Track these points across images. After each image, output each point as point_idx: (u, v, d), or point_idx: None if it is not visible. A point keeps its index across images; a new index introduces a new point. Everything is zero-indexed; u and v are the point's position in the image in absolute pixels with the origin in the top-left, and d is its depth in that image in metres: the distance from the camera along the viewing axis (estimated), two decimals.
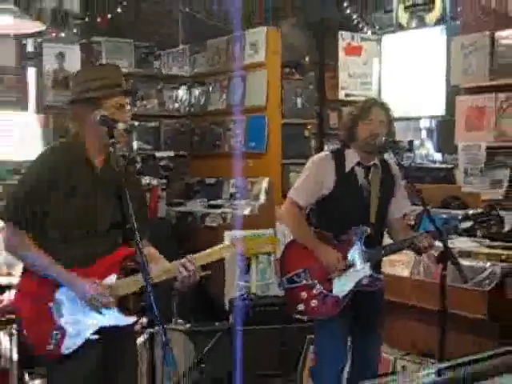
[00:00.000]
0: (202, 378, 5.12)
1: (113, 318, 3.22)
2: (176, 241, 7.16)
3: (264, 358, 5.97)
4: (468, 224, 4.11)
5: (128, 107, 3.34)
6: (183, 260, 3.24)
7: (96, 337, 3.20)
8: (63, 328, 3.19)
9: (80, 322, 3.20)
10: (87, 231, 3.26)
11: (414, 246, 4.01)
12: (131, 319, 3.30)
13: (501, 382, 1.19)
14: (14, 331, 4.41)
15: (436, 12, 6.48)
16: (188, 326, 5.65)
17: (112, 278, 3.24)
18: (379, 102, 4.28)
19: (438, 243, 4.05)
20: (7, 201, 3.36)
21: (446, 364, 1.29)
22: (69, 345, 3.19)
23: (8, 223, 3.29)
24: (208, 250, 3.32)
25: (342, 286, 4.05)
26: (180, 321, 5.72)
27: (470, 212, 4.94)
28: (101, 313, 3.18)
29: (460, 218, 4.49)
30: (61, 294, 3.22)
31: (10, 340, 4.83)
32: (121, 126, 3.18)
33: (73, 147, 3.35)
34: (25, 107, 6.91)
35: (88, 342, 3.20)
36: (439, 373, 1.26)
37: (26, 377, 5.14)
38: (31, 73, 7.03)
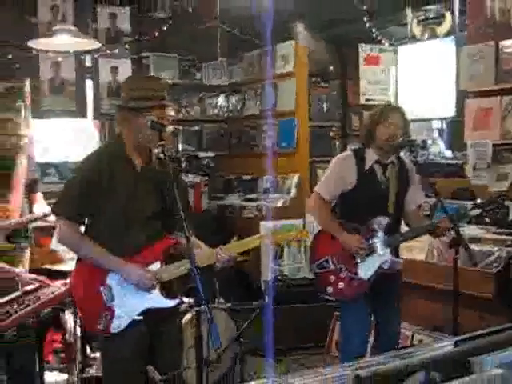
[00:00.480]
0: (242, 350, 5.12)
1: (156, 301, 3.24)
2: (217, 230, 7.19)
3: (295, 333, 5.99)
4: (477, 211, 4.08)
5: (169, 114, 3.33)
6: (218, 249, 3.28)
7: (141, 317, 3.22)
8: (112, 309, 3.21)
9: (127, 305, 3.23)
10: (131, 223, 3.26)
11: (432, 230, 4.00)
12: (173, 302, 3.31)
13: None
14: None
15: (446, 25, 6.44)
16: (229, 304, 5.67)
17: (156, 265, 3.26)
18: (396, 107, 4.27)
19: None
20: (59, 198, 3.35)
21: (463, 336, 1.29)
22: (117, 324, 3.21)
23: (60, 217, 3.30)
24: (239, 241, 3.37)
25: (367, 270, 4.06)
26: (222, 300, 5.74)
27: (479, 201, 4.91)
28: (146, 294, 3.21)
29: (470, 206, 4.45)
30: (111, 279, 3.24)
31: (74, 318, 4.88)
32: (169, 129, 3.20)
33: (114, 148, 3.36)
34: (84, 115, 6.98)
35: (134, 322, 3.22)
36: (456, 344, 1.25)
37: (88, 350, 5.19)
38: (89, 84, 7.09)
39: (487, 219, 4.79)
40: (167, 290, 3.31)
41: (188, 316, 4.83)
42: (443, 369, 1.13)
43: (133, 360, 3.22)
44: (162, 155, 3.22)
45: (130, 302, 3.22)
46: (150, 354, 3.33)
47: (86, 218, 3.31)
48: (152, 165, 3.36)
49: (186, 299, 4.64)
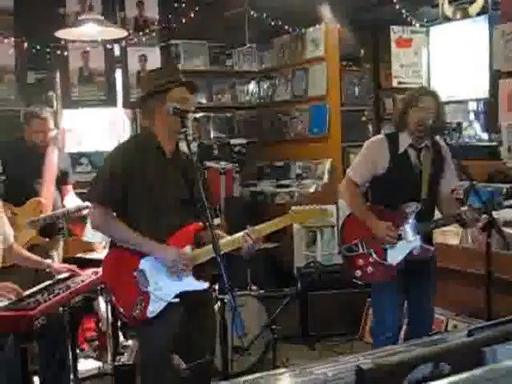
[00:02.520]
0: (274, 337, 5.10)
1: (190, 283, 3.27)
2: (249, 217, 7.16)
3: (328, 320, 5.95)
4: (509, 185, 3.98)
5: (192, 100, 3.39)
6: (244, 233, 3.29)
7: (177, 300, 3.24)
8: (147, 294, 3.24)
9: (162, 288, 3.25)
10: (161, 208, 3.31)
11: (460, 220, 3.91)
12: (205, 284, 3.32)
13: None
14: (109, 298, 4.46)
15: (478, 4, 6.26)
16: (261, 291, 5.65)
17: (188, 249, 3.29)
18: (428, 90, 4.16)
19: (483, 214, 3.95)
20: (92, 184, 3.42)
21: (478, 325, 1.23)
22: (153, 309, 3.23)
23: (94, 203, 3.39)
24: (265, 223, 3.35)
25: (395, 255, 3.99)
26: (254, 287, 5.72)
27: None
28: (179, 277, 3.23)
29: (504, 195, 4.34)
30: (144, 264, 3.27)
31: (107, 306, 4.91)
32: (191, 116, 3.19)
33: (145, 137, 3.44)
34: (114, 104, 7.00)
35: (170, 305, 3.24)
36: (469, 333, 1.20)
37: (121, 337, 5.22)
38: (118, 74, 7.10)
39: None
40: (199, 272, 3.33)
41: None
42: (454, 360, 1.07)
43: (170, 344, 3.24)
44: (184, 142, 3.24)
45: (164, 286, 3.25)
46: (185, 338, 3.34)
47: (118, 205, 3.35)
48: (180, 154, 3.43)
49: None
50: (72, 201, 5.07)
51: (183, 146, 3.41)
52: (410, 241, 3.97)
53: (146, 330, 3.33)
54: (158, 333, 3.25)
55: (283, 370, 1.78)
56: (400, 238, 3.97)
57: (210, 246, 3.21)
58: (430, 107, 3.96)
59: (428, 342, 1.19)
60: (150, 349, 3.34)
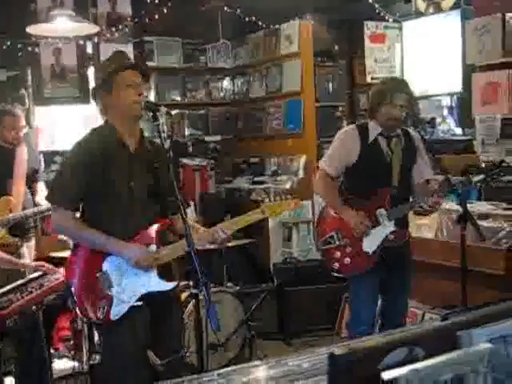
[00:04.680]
0: (250, 334, 5.08)
1: (155, 284, 3.18)
2: (225, 213, 7.14)
3: (305, 315, 5.94)
4: (480, 177, 3.99)
5: (138, 83, 3.22)
6: (214, 228, 3.22)
7: (140, 303, 3.15)
8: (111, 296, 3.14)
9: (125, 291, 3.15)
10: (125, 205, 3.20)
11: (422, 205, 3.95)
12: (171, 285, 3.24)
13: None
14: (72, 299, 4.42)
15: None
16: (237, 288, 5.63)
17: (152, 248, 3.19)
18: (401, 86, 4.09)
19: (458, 207, 3.97)
20: (51, 185, 3.34)
21: (453, 310, 1.21)
22: (116, 312, 3.13)
23: (54, 206, 3.28)
24: (235, 219, 3.29)
25: (371, 243, 4.00)
26: (230, 284, 5.70)
27: (482, 165, 4.81)
28: (144, 276, 3.15)
29: (473, 172, 4.35)
30: (107, 265, 3.16)
31: None
32: (163, 109, 3.12)
33: (105, 132, 3.27)
34: (87, 101, 6.92)
35: (134, 308, 3.15)
36: (444, 318, 1.18)
37: (96, 336, 5.15)
38: (91, 70, 7.02)
39: (492, 183, 4.67)
40: (165, 272, 3.24)
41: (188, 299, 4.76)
42: (429, 344, 1.05)
43: (136, 346, 3.15)
44: (158, 137, 3.13)
45: (128, 287, 3.15)
46: (153, 338, 3.27)
47: (81, 205, 3.26)
48: (144, 147, 3.30)
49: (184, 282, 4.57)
50: (42, 200, 5.00)
51: (147, 141, 3.31)
52: (384, 227, 3.99)
53: (109, 333, 3.24)
54: (121, 336, 3.16)
55: (258, 362, 1.76)
56: (374, 226, 3.98)
57: (177, 244, 3.19)
58: (403, 103, 3.95)
59: (405, 329, 1.17)
60: (113, 352, 3.24)
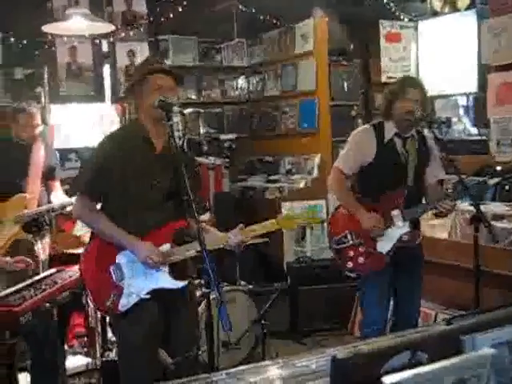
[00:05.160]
0: (263, 332, 5.09)
1: (164, 281, 3.23)
2: (239, 212, 7.15)
3: (319, 314, 5.95)
4: (496, 180, 3.98)
5: (169, 87, 3.28)
6: (229, 234, 3.24)
7: (148, 296, 3.21)
8: (121, 288, 3.21)
9: (136, 284, 3.22)
10: (144, 203, 3.26)
11: (437, 208, 3.93)
12: (181, 283, 3.26)
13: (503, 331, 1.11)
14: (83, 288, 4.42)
15: None
16: (250, 286, 5.63)
17: (166, 247, 3.24)
18: (415, 81, 4.16)
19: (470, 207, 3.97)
20: (78, 175, 3.51)
21: (457, 314, 1.22)
22: (124, 303, 3.20)
23: (79, 194, 3.37)
24: (251, 227, 3.27)
25: (385, 243, 4.01)
26: (243, 282, 5.71)
27: (498, 168, 4.79)
28: (154, 273, 3.20)
29: (488, 173, 4.35)
30: (121, 258, 3.24)
31: None
32: (176, 109, 3.15)
33: (133, 128, 3.39)
34: (102, 99, 6.96)
35: (142, 302, 3.21)
36: (448, 322, 1.18)
37: (110, 333, 5.19)
38: (106, 69, 7.06)
39: (507, 187, 4.66)
40: (177, 271, 3.28)
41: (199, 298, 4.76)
42: (432, 348, 1.06)
43: (144, 341, 3.20)
44: (170, 136, 3.15)
45: (138, 281, 3.22)
46: (165, 336, 3.32)
47: (102, 197, 3.33)
48: (171, 149, 3.29)
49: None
50: (58, 197, 5.03)
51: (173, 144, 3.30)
52: (398, 227, 3.99)
53: (118, 325, 3.35)
54: (129, 328, 3.23)
55: (266, 362, 1.77)
56: (388, 226, 3.99)
57: (189, 244, 3.21)
58: (417, 98, 3.97)
59: (408, 333, 1.17)
60: (123, 343, 3.35)
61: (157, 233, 3.25)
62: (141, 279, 3.22)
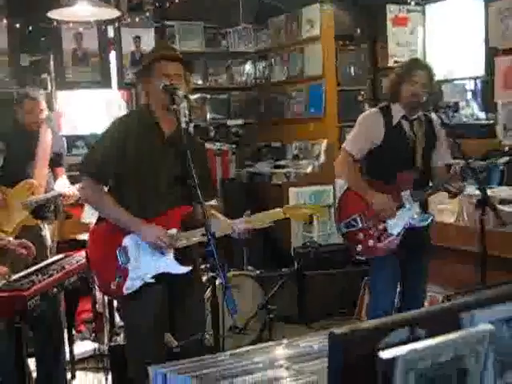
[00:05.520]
0: (270, 317, 5.11)
1: (170, 266, 3.24)
2: (246, 197, 7.17)
3: (326, 299, 5.96)
4: (506, 159, 3.98)
5: (176, 73, 3.29)
6: (235, 222, 3.26)
7: (153, 281, 3.23)
8: (126, 271, 3.23)
9: (141, 267, 3.23)
10: (152, 187, 3.27)
11: (447, 188, 3.95)
12: (186, 269, 3.27)
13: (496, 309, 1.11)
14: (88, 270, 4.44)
15: None
16: (257, 272, 5.66)
17: (172, 232, 3.25)
18: (421, 63, 4.15)
19: (477, 191, 3.96)
20: (85, 157, 3.43)
21: (456, 291, 1.22)
22: (129, 286, 3.23)
23: (85, 177, 3.35)
24: (258, 215, 3.29)
25: (396, 225, 4.02)
26: (250, 268, 5.73)
27: (507, 148, 4.77)
28: (161, 255, 3.22)
29: (498, 155, 4.34)
30: (128, 241, 3.26)
31: None
32: (181, 93, 3.15)
33: (143, 113, 3.40)
34: (108, 85, 6.97)
35: (147, 285, 3.23)
36: (447, 299, 1.19)
37: (117, 318, 5.22)
38: (112, 55, 7.06)
39: None
40: (182, 256, 3.29)
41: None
42: (430, 325, 1.07)
43: (150, 324, 3.22)
44: (178, 122, 3.18)
45: (143, 265, 3.24)
46: (171, 319, 3.35)
47: (110, 180, 3.35)
48: (180, 134, 3.27)
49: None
50: (63, 184, 5.05)
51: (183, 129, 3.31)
52: (408, 209, 4.00)
53: (124, 308, 3.41)
54: (135, 311, 3.27)
55: (270, 343, 1.78)
56: (398, 207, 3.99)
57: (196, 230, 3.22)
58: (423, 81, 3.97)
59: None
60: (129, 326, 3.41)
61: (164, 217, 3.27)
62: (146, 263, 3.24)
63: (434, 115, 4.18)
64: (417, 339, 1.02)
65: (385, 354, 0.98)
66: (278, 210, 3.30)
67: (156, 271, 3.24)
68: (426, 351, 1.00)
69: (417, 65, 4.09)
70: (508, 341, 1.14)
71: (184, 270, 3.26)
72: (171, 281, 3.27)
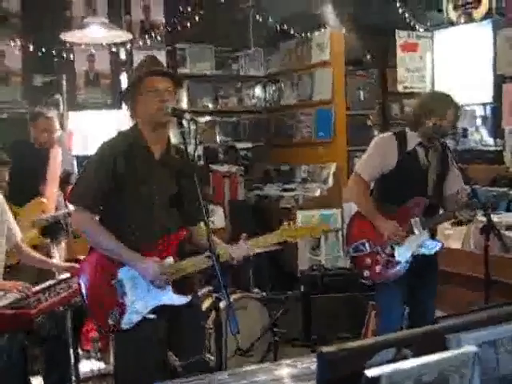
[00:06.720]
0: (275, 340, 5.12)
1: (168, 298, 3.11)
2: (254, 220, 7.20)
3: (332, 322, 5.96)
4: None
5: (163, 89, 3.13)
6: (232, 248, 3.15)
7: (152, 316, 3.10)
8: (124, 305, 3.08)
9: (139, 301, 3.09)
10: (146, 211, 3.15)
11: (457, 217, 3.97)
12: (185, 299, 3.15)
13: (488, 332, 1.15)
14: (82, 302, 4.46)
15: (483, 8, 6.29)
16: (263, 294, 5.66)
17: (169, 261, 3.12)
18: (453, 101, 4.04)
19: (483, 217, 3.98)
20: (75, 186, 3.27)
21: (444, 314, 1.26)
22: (128, 320, 3.08)
23: (77, 206, 3.23)
24: (258, 238, 3.18)
25: (404, 252, 4.02)
26: (256, 290, 5.74)
27: None
28: (160, 290, 3.08)
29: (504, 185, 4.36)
30: (123, 273, 3.11)
31: None
32: (188, 116, 3.14)
33: (131, 136, 3.22)
34: (119, 106, 7.04)
35: (146, 320, 3.10)
36: (434, 321, 1.23)
37: None
38: (124, 77, 7.15)
39: None
40: (181, 286, 3.17)
41: (206, 304, 4.73)
42: (417, 346, 1.11)
43: (147, 360, 3.09)
44: (181, 144, 3.13)
45: (141, 298, 3.10)
46: (170, 345, 3.26)
47: (101, 208, 3.21)
48: (171, 154, 3.24)
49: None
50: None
51: (174, 149, 3.27)
52: (417, 236, 4.01)
53: (119, 343, 3.22)
54: (131, 347, 3.12)
55: (269, 364, 1.81)
56: (407, 234, 4.00)
57: (197, 257, 3.11)
58: (452, 118, 3.99)
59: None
60: (123, 361, 3.21)
61: (159, 245, 3.14)
62: (144, 296, 3.10)
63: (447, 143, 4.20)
64: (403, 359, 1.06)
65: (370, 372, 1.02)
66: (276, 232, 3.18)
67: (154, 304, 3.11)
68: (411, 371, 1.03)
69: (448, 103, 4.02)
70: (492, 363, 1.18)
71: (184, 300, 3.16)
72: (168, 310, 3.14)
